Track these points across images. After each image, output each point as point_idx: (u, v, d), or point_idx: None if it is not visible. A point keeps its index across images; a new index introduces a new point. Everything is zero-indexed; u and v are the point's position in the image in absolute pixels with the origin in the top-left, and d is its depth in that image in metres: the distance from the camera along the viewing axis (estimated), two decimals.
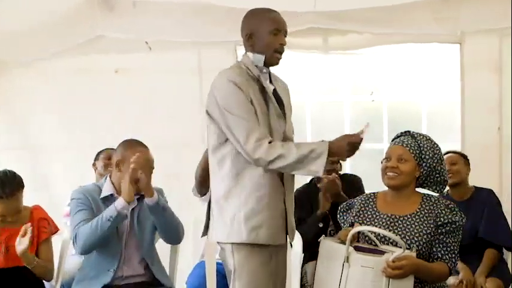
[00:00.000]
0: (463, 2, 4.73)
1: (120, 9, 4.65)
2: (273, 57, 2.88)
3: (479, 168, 4.29)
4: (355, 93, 5.30)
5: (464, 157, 4.11)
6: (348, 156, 2.79)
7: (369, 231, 2.88)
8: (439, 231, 2.90)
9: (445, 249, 2.90)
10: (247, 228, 2.76)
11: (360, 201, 3.10)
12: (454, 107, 4.96)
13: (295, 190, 2.99)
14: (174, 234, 3.53)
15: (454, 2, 4.74)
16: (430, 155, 2.99)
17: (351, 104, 5.26)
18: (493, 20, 4.69)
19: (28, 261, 3.37)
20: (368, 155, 4.33)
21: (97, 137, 4.67)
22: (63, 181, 4.71)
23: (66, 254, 3.78)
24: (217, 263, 3.51)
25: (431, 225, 2.90)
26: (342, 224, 3.13)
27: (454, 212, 2.93)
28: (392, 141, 3.12)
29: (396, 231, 2.90)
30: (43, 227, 3.55)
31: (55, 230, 3.63)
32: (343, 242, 2.83)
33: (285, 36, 2.91)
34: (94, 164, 4.34)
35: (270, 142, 2.72)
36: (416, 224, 2.91)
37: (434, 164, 3.00)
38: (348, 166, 4.85)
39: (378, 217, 2.99)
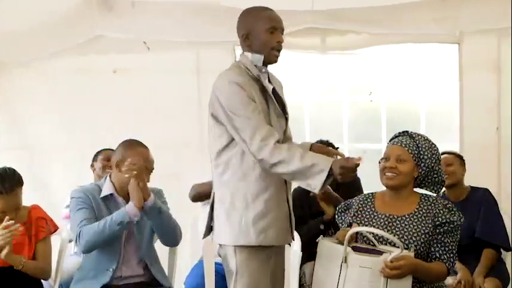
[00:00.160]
0: (462, 2, 4.73)
1: (119, 9, 4.65)
2: (271, 55, 2.85)
3: (478, 169, 4.30)
4: (353, 94, 5.29)
5: (460, 158, 4.08)
6: (342, 180, 2.64)
7: (367, 231, 2.88)
8: (437, 231, 2.90)
9: (443, 249, 2.89)
10: (256, 230, 2.74)
11: (358, 201, 3.10)
12: (453, 107, 4.94)
13: (292, 190, 2.98)
14: (171, 236, 3.52)
15: (452, 2, 4.74)
16: (429, 155, 2.99)
17: (349, 104, 5.25)
18: (492, 20, 4.69)
19: (14, 263, 3.36)
20: (366, 155, 4.33)
21: (96, 137, 4.67)
22: (63, 181, 4.71)
23: (64, 253, 3.79)
24: (216, 264, 3.51)
25: (430, 225, 2.90)
26: (340, 224, 3.12)
27: (452, 212, 2.93)
28: (390, 141, 3.11)
29: (394, 231, 2.90)
30: (41, 226, 3.54)
31: (54, 229, 3.62)
32: (341, 243, 2.82)
33: (282, 34, 2.87)
34: (92, 165, 4.33)
35: (276, 142, 2.68)
36: (414, 224, 2.91)
37: (432, 164, 3.00)
38: None
39: (376, 217, 2.99)
